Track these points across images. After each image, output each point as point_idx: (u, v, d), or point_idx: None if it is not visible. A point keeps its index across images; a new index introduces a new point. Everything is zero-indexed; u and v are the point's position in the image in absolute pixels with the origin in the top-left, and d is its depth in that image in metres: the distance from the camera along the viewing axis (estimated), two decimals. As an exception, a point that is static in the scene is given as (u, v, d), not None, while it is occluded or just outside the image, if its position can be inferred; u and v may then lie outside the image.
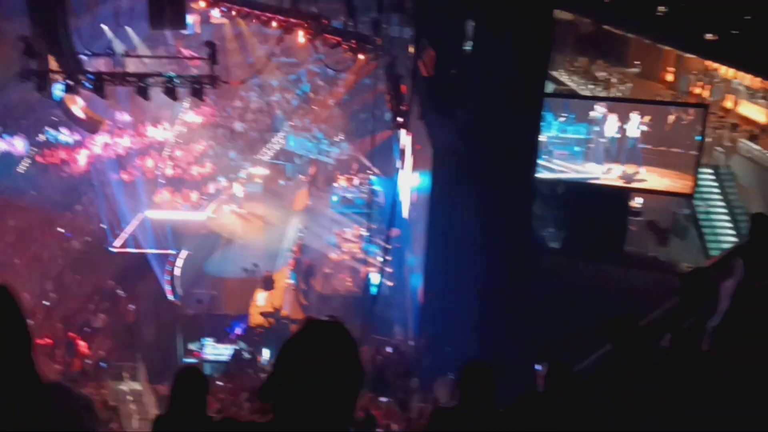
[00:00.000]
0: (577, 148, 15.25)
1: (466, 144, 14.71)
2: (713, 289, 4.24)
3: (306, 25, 18.86)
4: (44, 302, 19.52)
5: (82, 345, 18.63)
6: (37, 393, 2.02)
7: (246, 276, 21.99)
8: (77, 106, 18.36)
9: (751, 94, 18.06)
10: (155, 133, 28.75)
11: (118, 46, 20.80)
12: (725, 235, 15.22)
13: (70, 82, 16.34)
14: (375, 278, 20.25)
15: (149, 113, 27.36)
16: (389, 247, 20.30)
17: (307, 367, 1.90)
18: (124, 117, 27.81)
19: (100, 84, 16.58)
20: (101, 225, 23.59)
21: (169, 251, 22.89)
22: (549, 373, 4.44)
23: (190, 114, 29.70)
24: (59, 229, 23.00)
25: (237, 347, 18.67)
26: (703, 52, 16.41)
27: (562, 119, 15.20)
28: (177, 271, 22.29)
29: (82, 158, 26.10)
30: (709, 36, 14.02)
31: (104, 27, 22.25)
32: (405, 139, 19.63)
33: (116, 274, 21.44)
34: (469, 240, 14.55)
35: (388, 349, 17.72)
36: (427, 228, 16.58)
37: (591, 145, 15.07)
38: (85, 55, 17.14)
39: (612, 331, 4.19)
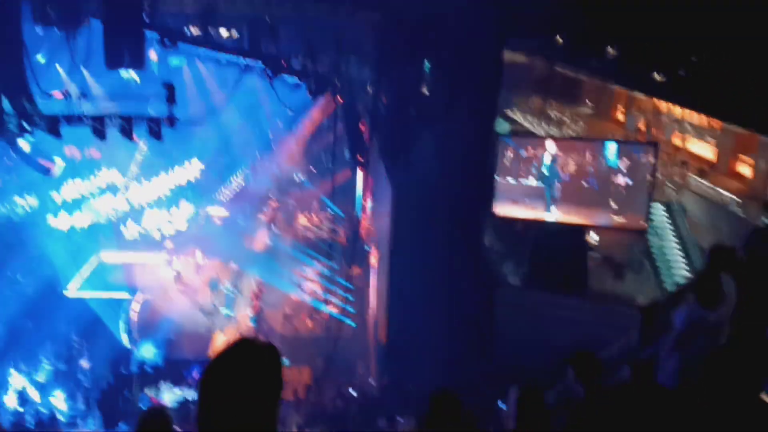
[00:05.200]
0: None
1: (425, 183, 14.87)
2: (667, 322, 4.33)
3: (265, 65, 18.98)
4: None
5: (35, 392, 18.01)
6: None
7: (205, 318, 21.67)
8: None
9: (699, 133, 18.70)
10: (111, 175, 28.37)
11: (74, 87, 20.56)
12: (678, 269, 15.55)
13: (25, 124, 16.08)
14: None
15: (105, 153, 27.01)
16: (351, 286, 20.24)
17: (226, 382, 2.03)
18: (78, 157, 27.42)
19: (55, 125, 16.36)
20: (55, 268, 23.02)
21: (125, 294, 22.41)
22: (521, 399, 4.42)
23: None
24: (11, 273, 22.39)
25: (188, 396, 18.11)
26: (652, 92, 16.97)
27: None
28: (133, 315, 21.80)
29: (34, 199, 25.54)
30: (657, 77, 14.51)
31: (59, 67, 22.01)
32: (365, 178, 19.75)
33: (70, 319, 20.87)
34: (431, 278, 14.62)
35: (351, 391, 17.52)
36: (389, 266, 16.61)
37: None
38: (40, 95, 16.92)
39: (572, 366, 4.23)
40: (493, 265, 15.77)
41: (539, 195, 14.90)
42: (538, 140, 16.19)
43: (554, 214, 14.90)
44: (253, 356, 2.09)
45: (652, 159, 14.55)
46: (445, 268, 14.57)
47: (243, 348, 2.13)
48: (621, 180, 14.46)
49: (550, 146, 14.93)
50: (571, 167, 14.70)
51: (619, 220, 14.63)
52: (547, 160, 14.79)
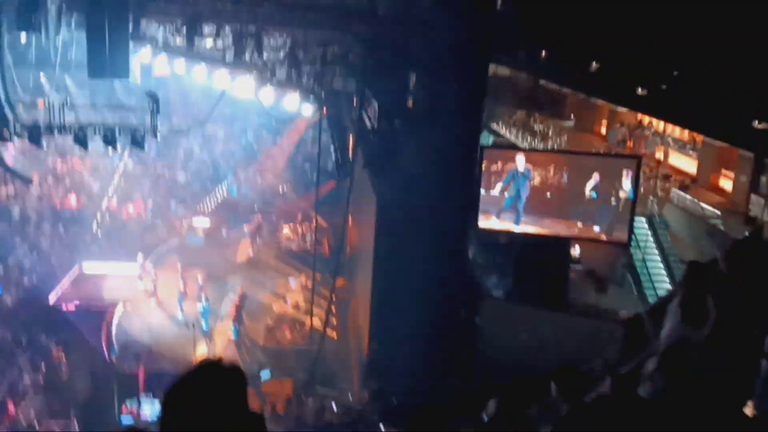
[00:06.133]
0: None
1: (409, 195, 14.87)
2: (650, 336, 4.33)
3: (251, 76, 18.95)
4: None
5: (13, 405, 17.72)
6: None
7: (186, 330, 21.44)
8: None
9: (681, 147, 18.87)
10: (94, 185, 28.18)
11: (56, 95, 20.43)
12: (661, 282, 15.63)
13: (6, 132, 15.93)
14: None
15: (87, 162, 26.86)
16: (334, 297, 20.14)
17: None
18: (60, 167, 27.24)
19: (37, 134, 16.22)
20: (35, 278, 22.75)
21: (106, 304, 22.15)
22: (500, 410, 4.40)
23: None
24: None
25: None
26: (635, 106, 17.12)
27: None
28: (113, 327, 21.54)
29: (15, 210, 25.30)
30: (639, 90, 14.65)
31: (42, 75, 21.90)
32: (350, 189, 19.71)
33: (49, 329, 20.58)
34: (414, 290, 14.58)
35: (333, 403, 17.40)
36: (372, 278, 16.56)
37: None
38: (23, 103, 16.79)
39: (555, 381, 4.22)
40: (477, 278, 15.77)
41: (509, 207, 15.00)
42: (510, 153, 16.17)
43: (524, 226, 14.93)
44: (216, 380, 2.04)
45: (633, 173, 14.61)
46: (428, 280, 14.54)
47: (206, 371, 2.07)
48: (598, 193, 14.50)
49: (521, 159, 14.95)
50: (545, 180, 14.75)
51: (597, 233, 14.68)
52: (518, 171, 14.84)
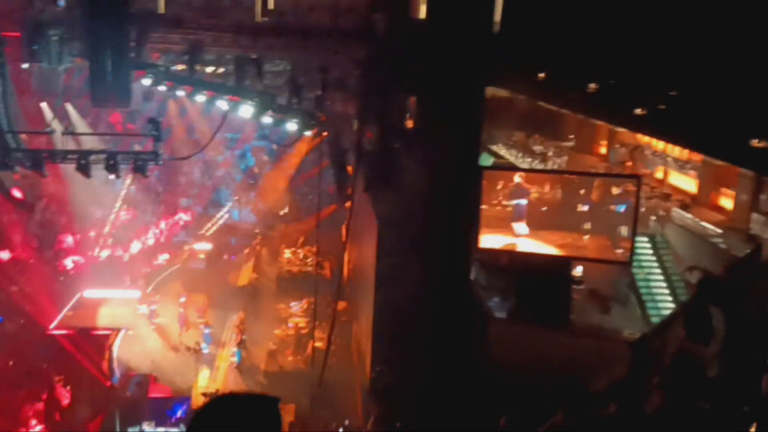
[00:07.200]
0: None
1: (410, 216, 14.89)
2: (656, 354, 4.33)
3: (251, 101, 19.06)
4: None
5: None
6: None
7: (187, 355, 21.39)
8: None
9: (681, 165, 18.91)
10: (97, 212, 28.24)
11: (58, 123, 20.54)
12: (664, 302, 15.57)
13: (8, 161, 15.98)
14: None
15: (90, 190, 26.92)
16: (336, 321, 20.09)
17: None
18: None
19: (39, 162, 16.28)
20: (36, 306, 22.71)
21: (107, 331, 22.10)
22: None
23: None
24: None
25: (177, 430, 17.93)
26: (633, 126, 17.17)
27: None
28: (115, 352, 21.48)
29: (17, 237, 25.34)
30: (638, 111, 14.68)
31: (43, 104, 22.05)
32: (350, 211, 19.77)
33: (51, 357, 20.52)
34: (416, 312, 14.56)
35: (341, 429, 17.31)
36: (374, 300, 16.54)
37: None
38: (24, 132, 16.89)
39: (561, 399, 4.21)
40: (480, 299, 15.72)
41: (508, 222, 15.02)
42: (510, 173, 16.18)
43: (522, 238, 14.93)
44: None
45: (634, 192, 14.60)
46: (430, 302, 14.52)
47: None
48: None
49: (518, 180, 15.01)
50: (542, 196, 14.80)
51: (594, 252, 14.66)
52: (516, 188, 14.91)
